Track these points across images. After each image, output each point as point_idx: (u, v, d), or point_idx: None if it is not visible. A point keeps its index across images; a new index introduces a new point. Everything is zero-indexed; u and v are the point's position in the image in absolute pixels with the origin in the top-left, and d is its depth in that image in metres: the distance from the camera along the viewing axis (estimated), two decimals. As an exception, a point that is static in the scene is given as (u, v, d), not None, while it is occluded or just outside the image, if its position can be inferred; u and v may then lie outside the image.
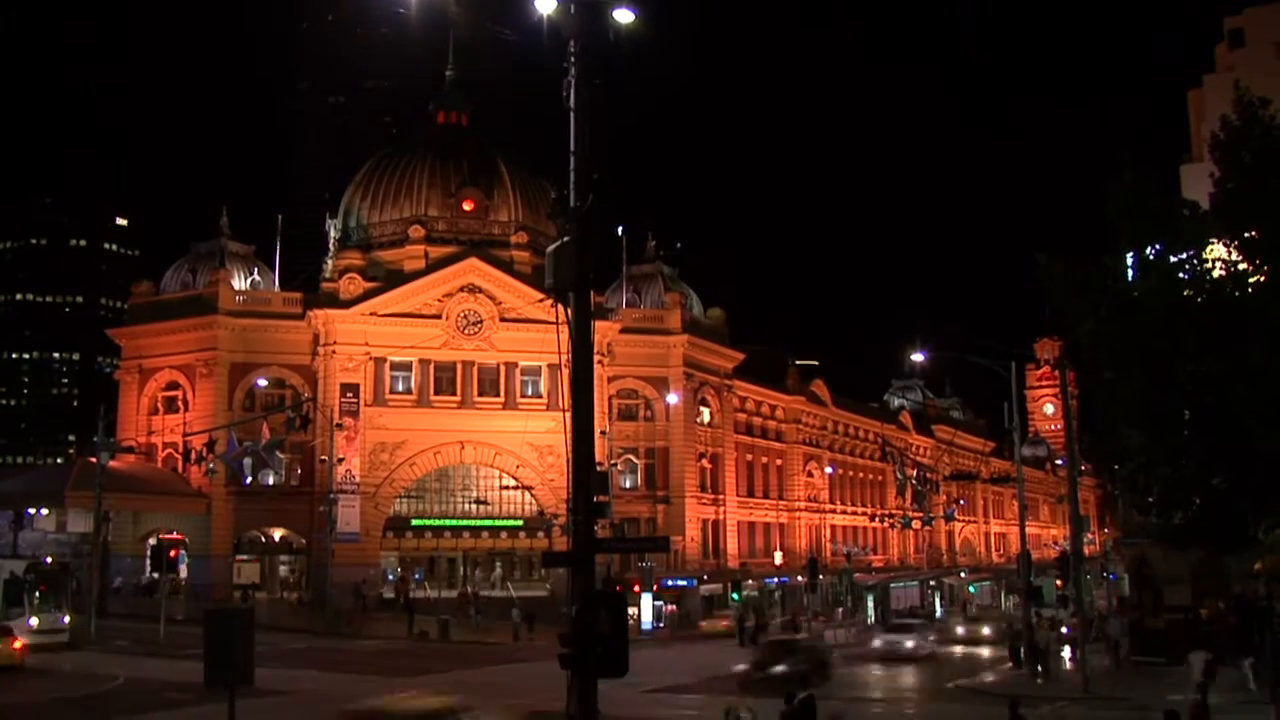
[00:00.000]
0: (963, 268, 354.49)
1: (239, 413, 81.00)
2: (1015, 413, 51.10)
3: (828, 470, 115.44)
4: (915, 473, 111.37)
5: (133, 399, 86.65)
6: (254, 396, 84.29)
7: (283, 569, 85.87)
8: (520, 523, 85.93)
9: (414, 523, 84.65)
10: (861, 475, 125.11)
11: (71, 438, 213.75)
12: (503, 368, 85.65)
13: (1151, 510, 31.81)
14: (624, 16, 17.32)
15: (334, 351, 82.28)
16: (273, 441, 73.37)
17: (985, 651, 60.71)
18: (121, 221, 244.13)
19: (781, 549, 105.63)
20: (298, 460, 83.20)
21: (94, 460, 63.59)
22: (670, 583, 76.66)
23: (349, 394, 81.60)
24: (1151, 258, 27.08)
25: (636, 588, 68.46)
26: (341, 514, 73.25)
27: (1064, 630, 59.26)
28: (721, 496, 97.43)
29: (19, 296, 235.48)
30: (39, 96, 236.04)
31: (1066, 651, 53.53)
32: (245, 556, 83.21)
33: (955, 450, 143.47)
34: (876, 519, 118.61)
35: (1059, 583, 57.29)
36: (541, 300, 63.46)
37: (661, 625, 70.70)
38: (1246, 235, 26.00)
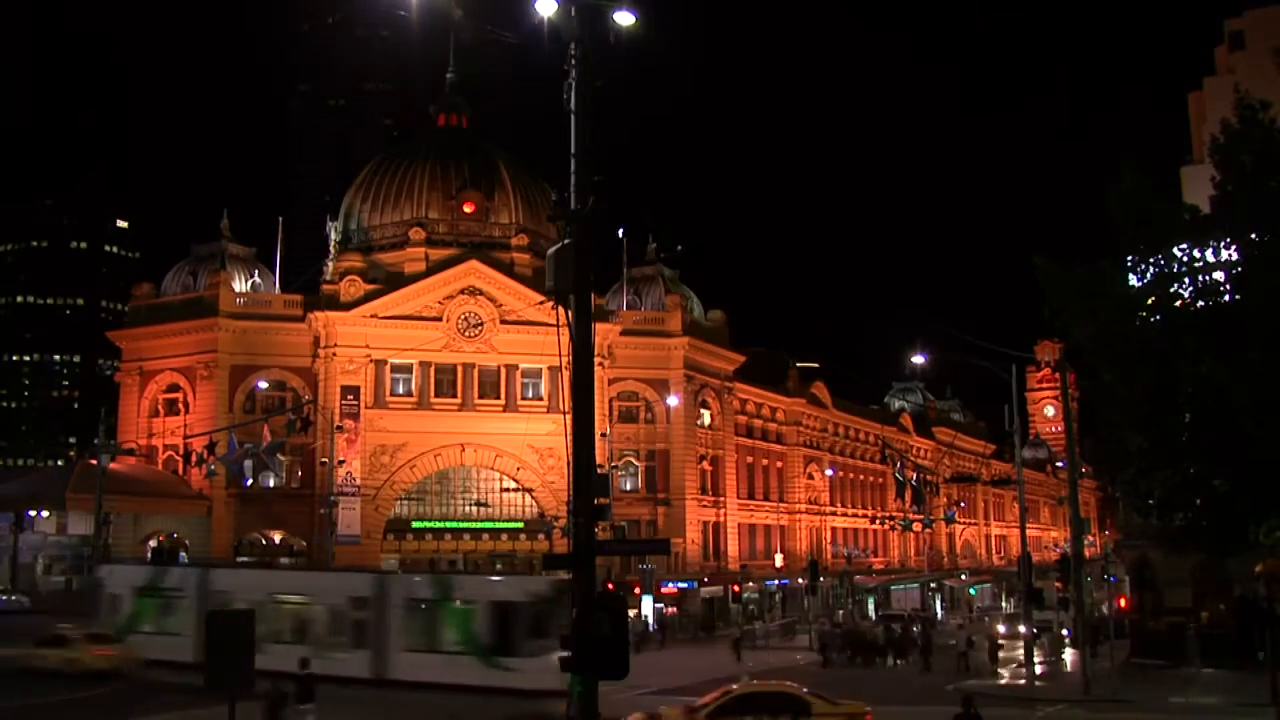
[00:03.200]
0: (963, 269, 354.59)
1: (239, 415, 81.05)
2: (1016, 415, 51.08)
3: (828, 472, 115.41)
4: (915, 475, 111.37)
5: (133, 401, 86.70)
6: (254, 399, 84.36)
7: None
8: (521, 525, 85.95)
9: (414, 525, 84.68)
10: (862, 477, 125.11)
11: (72, 440, 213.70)
12: (503, 370, 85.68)
13: (1152, 513, 31.82)
14: (624, 19, 17.35)
15: (334, 354, 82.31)
16: (273, 444, 73.43)
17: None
18: (122, 224, 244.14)
19: (782, 551, 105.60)
20: (298, 463, 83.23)
21: (94, 462, 63.63)
22: (671, 585, 76.57)
23: (349, 396, 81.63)
24: (1151, 260, 27.11)
25: (637, 590, 68.34)
26: (342, 516, 73.25)
27: (1065, 633, 59.28)
28: (722, 499, 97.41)
29: (20, 298, 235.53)
30: (40, 98, 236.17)
31: (1069, 654, 53.52)
32: (246, 559, 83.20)
33: (956, 452, 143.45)
34: (877, 521, 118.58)
35: (1059, 585, 57.29)
36: (542, 303, 63.48)
37: (656, 628, 70.15)
38: (1247, 238, 26.02)
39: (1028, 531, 54.42)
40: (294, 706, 27.52)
